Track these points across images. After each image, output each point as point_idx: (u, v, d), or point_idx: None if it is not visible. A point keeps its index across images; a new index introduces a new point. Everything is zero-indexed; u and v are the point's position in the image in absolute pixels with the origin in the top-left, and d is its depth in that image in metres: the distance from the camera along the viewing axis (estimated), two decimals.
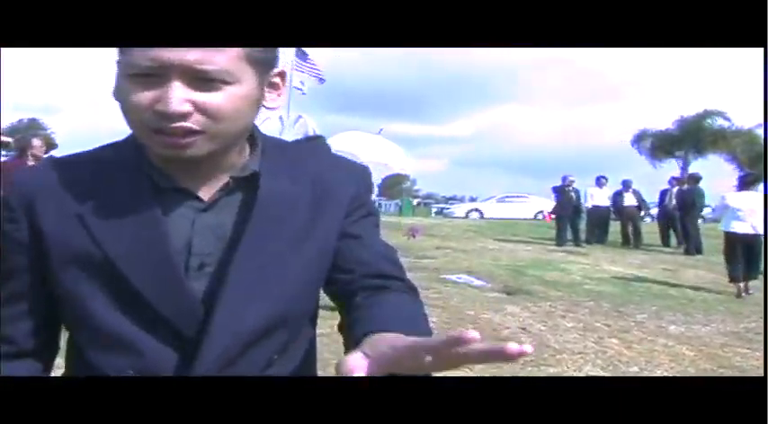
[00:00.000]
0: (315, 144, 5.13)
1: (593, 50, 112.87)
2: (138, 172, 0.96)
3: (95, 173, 0.97)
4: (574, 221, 14.86)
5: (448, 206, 37.58)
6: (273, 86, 0.98)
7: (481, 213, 28.35)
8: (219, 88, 0.87)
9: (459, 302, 7.23)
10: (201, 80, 0.86)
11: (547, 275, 9.62)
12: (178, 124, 0.86)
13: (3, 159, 7.80)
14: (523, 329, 6.21)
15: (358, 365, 0.73)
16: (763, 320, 6.17)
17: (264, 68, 0.94)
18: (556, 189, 15.11)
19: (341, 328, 1.02)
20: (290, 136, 10.97)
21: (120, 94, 0.90)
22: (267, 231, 0.96)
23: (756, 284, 8.46)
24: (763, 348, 5.55)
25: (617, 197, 15.75)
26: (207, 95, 0.86)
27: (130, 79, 0.87)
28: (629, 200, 15.55)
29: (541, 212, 27.79)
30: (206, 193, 0.97)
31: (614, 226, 15.76)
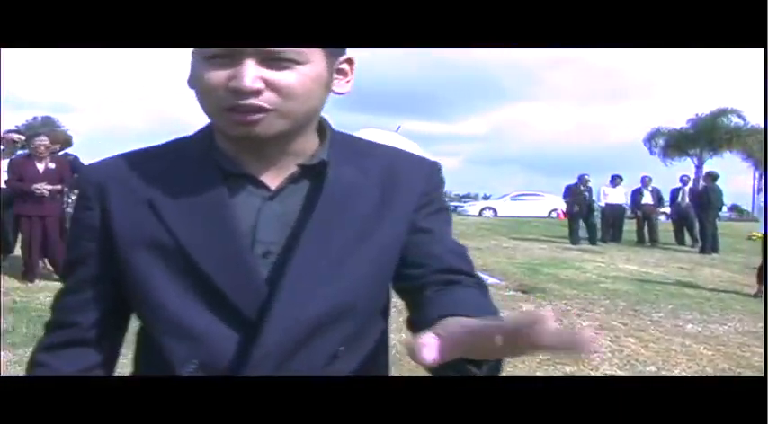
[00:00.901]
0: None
1: (607, 49, 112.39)
2: (206, 160, 0.98)
3: (165, 162, 1.00)
4: (587, 219, 14.76)
5: (462, 204, 37.46)
6: (342, 72, 0.99)
7: (495, 211, 28.26)
8: (290, 67, 0.90)
9: None
10: (273, 60, 0.89)
11: (562, 273, 9.58)
12: (250, 101, 0.89)
13: (14, 157, 7.82)
14: None
15: (428, 343, 0.69)
16: None
17: (333, 52, 0.96)
18: (568, 188, 15.02)
19: (409, 324, 1.01)
20: None
21: (195, 78, 0.93)
22: (332, 219, 0.96)
23: None
24: (763, 347, 5.50)
25: (636, 194, 15.71)
26: (278, 74, 0.89)
27: (206, 61, 0.91)
28: (647, 198, 15.47)
29: (555, 210, 27.67)
30: (273, 181, 0.99)
31: (628, 225, 15.68)
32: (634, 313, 7.01)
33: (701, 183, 15.22)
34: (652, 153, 43.76)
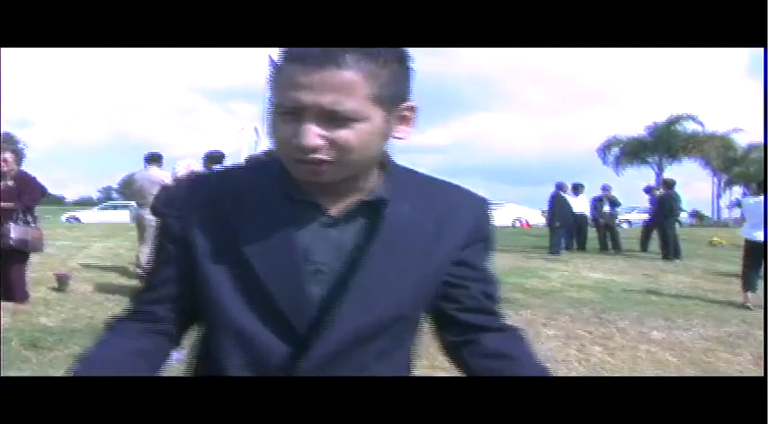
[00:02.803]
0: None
1: (566, 58, 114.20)
2: (277, 185, 1.11)
3: (242, 184, 1.15)
4: (553, 229, 14.72)
5: None
6: (404, 119, 1.09)
7: None
8: (349, 125, 0.99)
9: None
10: (333, 119, 0.99)
11: (527, 282, 9.57)
12: (312, 156, 1.01)
13: None
14: None
15: None
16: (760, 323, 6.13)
17: (391, 105, 1.04)
18: (553, 198, 14.79)
19: (440, 339, 1.22)
20: (264, 146, 10.83)
21: (270, 129, 1.07)
22: (388, 251, 1.09)
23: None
24: (763, 349, 5.52)
25: (596, 202, 15.84)
26: (338, 132, 0.99)
27: (278, 116, 1.03)
28: (608, 206, 15.58)
29: (519, 219, 27.87)
30: (333, 210, 1.11)
31: (591, 232, 15.79)
32: (599, 321, 7.00)
33: (660, 191, 15.39)
34: (605, 162, 44.33)
